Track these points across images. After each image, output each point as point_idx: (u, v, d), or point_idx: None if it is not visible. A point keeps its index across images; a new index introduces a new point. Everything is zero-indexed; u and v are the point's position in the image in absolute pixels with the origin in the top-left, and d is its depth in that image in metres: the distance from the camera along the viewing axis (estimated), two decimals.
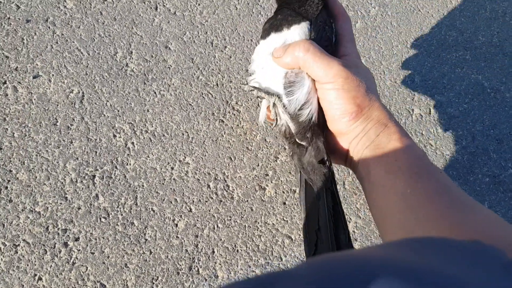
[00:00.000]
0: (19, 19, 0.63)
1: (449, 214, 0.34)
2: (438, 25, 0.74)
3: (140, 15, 0.66)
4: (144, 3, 0.67)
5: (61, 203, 0.54)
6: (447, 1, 0.77)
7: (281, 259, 0.56)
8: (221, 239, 0.56)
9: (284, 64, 0.41)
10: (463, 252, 0.19)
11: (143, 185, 0.57)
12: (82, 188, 0.55)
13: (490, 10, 0.77)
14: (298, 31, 0.42)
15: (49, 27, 0.63)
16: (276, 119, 0.44)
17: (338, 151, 0.42)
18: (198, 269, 0.54)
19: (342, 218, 0.41)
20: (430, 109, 0.67)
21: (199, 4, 0.69)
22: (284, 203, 0.59)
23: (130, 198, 0.56)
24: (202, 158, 0.60)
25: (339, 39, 0.43)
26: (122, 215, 0.55)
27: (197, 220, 0.56)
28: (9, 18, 0.63)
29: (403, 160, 0.37)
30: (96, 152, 0.58)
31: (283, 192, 0.59)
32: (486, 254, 0.19)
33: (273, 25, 0.44)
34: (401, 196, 0.36)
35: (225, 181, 0.59)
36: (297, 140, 0.43)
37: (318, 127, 0.42)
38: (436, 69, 0.71)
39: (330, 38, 0.42)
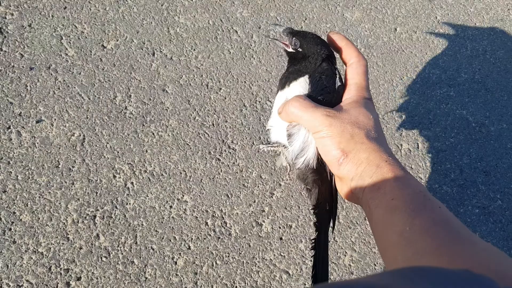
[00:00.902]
0: (23, 67, 0.68)
1: (447, 247, 0.36)
2: (421, 64, 0.80)
3: (138, 60, 0.71)
4: (142, 49, 0.72)
5: (63, 243, 0.57)
6: (429, 41, 0.83)
7: None
8: (219, 276, 0.58)
9: (284, 119, 0.47)
10: (454, 280, 0.22)
11: (142, 224, 0.60)
12: (84, 228, 0.58)
13: (471, 49, 0.84)
14: (297, 87, 0.48)
15: (51, 74, 0.68)
16: (286, 166, 0.50)
17: (345, 193, 0.46)
18: None
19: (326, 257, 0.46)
20: (418, 143, 0.72)
21: (194, 49, 0.74)
22: (281, 238, 0.62)
23: (130, 237, 0.59)
24: (199, 196, 0.63)
25: (346, 84, 0.48)
26: (122, 254, 0.58)
27: (196, 257, 0.59)
28: (13, 66, 0.67)
29: (400, 198, 0.39)
30: (97, 192, 0.61)
31: (280, 227, 0.62)
32: (476, 282, 0.22)
33: (280, 83, 0.49)
34: (400, 234, 0.38)
35: (223, 218, 0.62)
36: (303, 184, 0.49)
37: (318, 173, 0.46)
38: (422, 106, 0.76)
39: (328, 86, 0.47)
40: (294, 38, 0.50)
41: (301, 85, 0.48)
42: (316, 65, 0.49)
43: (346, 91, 0.48)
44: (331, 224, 0.48)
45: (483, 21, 0.88)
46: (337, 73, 0.49)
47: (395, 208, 0.39)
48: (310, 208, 0.52)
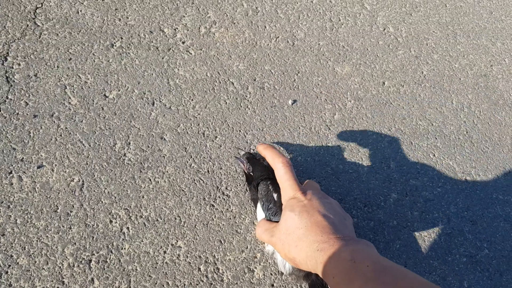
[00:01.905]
0: (27, 114, 0.71)
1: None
2: (409, 116, 0.84)
3: (138, 109, 0.75)
4: (142, 99, 0.76)
5: (58, 287, 0.58)
6: (416, 94, 0.87)
7: None
8: None
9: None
10: None
11: (136, 269, 0.61)
12: (79, 272, 0.60)
13: (456, 102, 0.88)
14: (259, 212, 0.65)
15: (54, 122, 0.71)
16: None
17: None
18: None
19: None
20: (406, 192, 0.75)
21: (192, 100, 0.78)
22: (273, 285, 0.63)
23: (124, 281, 0.60)
24: (193, 241, 0.65)
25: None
26: None
27: None
28: (17, 113, 0.71)
29: (338, 275, 0.48)
30: (93, 237, 0.63)
31: (271, 274, 0.64)
32: None
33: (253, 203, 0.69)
34: None
35: (215, 263, 0.64)
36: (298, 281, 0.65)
37: (300, 271, 0.60)
38: (410, 156, 0.79)
39: (271, 206, 0.62)
40: (248, 164, 0.67)
41: (260, 211, 0.65)
42: (259, 192, 0.64)
43: (281, 196, 0.61)
44: None
45: (467, 76, 0.93)
46: (271, 188, 0.63)
47: (339, 284, 0.48)
48: None
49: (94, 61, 0.80)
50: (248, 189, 0.70)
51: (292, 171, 0.61)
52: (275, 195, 0.62)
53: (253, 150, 0.75)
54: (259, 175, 0.66)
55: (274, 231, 0.58)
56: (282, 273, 0.64)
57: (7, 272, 0.58)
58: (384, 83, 0.88)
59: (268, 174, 0.65)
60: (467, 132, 0.85)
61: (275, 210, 0.61)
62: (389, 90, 0.87)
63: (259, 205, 0.65)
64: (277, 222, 0.59)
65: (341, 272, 0.47)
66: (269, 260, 0.65)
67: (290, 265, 0.60)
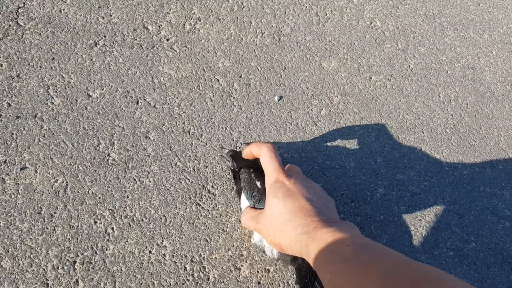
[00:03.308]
0: (10, 115, 0.70)
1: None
2: (396, 110, 0.84)
3: (122, 108, 0.74)
4: (126, 98, 0.76)
5: None
6: (403, 88, 0.87)
7: None
8: None
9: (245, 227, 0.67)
10: None
11: (121, 270, 0.61)
12: (63, 274, 0.59)
13: (443, 95, 0.88)
14: (244, 201, 0.65)
15: (37, 122, 0.71)
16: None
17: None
18: None
19: None
20: (393, 187, 0.75)
21: (177, 98, 0.77)
22: (259, 283, 0.63)
23: (109, 282, 0.60)
24: (179, 241, 0.64)
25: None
26: None
27: None
28: (0, 115, 0.70)
29: (320, 257, 0.49)
30: (77, 238, 0.62)
31: (258, 271, 0.64)
32: None
33: (238, 195, 0.70)
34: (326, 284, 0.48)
35: (201, 262, 0.63)
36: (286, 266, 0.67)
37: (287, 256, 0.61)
38: (397, 150, 0.79)
39: (255, 194, 0.62)
40: (233, 161, 0.68)
41: (244, 200, 0.66)
42: (241, 181, 0.65)
43: (265, 182, 0.60)
44: None
45: (455, 69, 0.93)
46: (253, 176, 0.64)
47: (320, 266, 0.48)
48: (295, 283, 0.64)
49: (77, 60, 0.79)
50: (234, 183, 0.69)
51: (277, 156, 0.61)
52: (258, 183, 0.63)
53: (239, 148, 0.74)
54: (243, 166, 0.67)
55: (259, 218, 0.58)
56: (268, 270, 0.64)
57: None
58: (371, 77, 0.88)
59: (253, 165, 0.66)
60: (454, 125, 0.85)
61: (259, 197, 0.61)
62: (376, 84, 0.87)
63: (243, 195, 0.65)
64: (262, 209, 0.60)
65: (323, 253, 0.48)
66: (255, 258, 0.65)
67: (277, 251, 0.61)
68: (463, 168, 0.79)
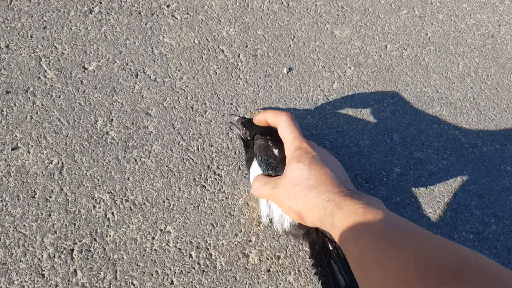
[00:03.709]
0: None
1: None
2: (413, 83, 0.76)
3: (120, 82, 0.67)
4: (125, 70, 0.68)
5: (38, 281, 0.53)
6: (420, 59, 0.79)
7: None
8: None
9: (256, 196, 0.59)
10: None
11: (123, 258, 0.56)
12: (60, 263, 0.54)
13: (462, 66, 0.80)
14: (255, 169, 0.59)
15: (29, 98, 0.63)
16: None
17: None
18: None
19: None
20: (410, 166, 0.68)
21: (179, 70, 0.70)
22: (269, 270, 0.58)
23: (109, 272, 0.54)
24: (183, 226, 0.59)
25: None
26: None
27: None
28: None
29: (348, 230, 0.44)
30: (75, 224, 0.57)
31: (267, 258, 0.58)
32: None
33: (247, 165, 0.63)
34: (354, 257, 0.43)
35: (208, 249, 0.58)
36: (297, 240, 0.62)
37: (300, 228, 0.56)
38: (414, 126, 0.72)
39: (270, 161, 0.57)
40: (244, 129, 0.61)
41: (255, 168, 0.59)
42: (256, 147, 0.59)
43: (285, 150, 0.55)
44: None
45: (474, 38, 0.84)
46: (270, 143, 0.58)
47: (346, 239, 0.43)
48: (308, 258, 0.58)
49: (71, 29, 0.71)
50: (244, 153, 0.63)
51: (296, 124, 0.57)
52: (275, 150, 0.57)
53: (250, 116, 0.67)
54: (254, 136, 0.61)
55: (278, 183, 0.53)
56: (278, 257, 0.59)
57: None
58: (386, 46, 0.80)
59: (268, 132, 0.60)
60: (474, 98, 0.77)
61: (275, 165, 0.56)
62: (391, 54, 0.79)
63: (254, 163, 0.59)
64: (278, 176, 0.55)
65: (351, 226, 0.43)
66: (264, 244, 0.59)
67: (288, 223, 0.55)
68: (483, 145, 0.73)
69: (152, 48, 0.71)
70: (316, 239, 0.55)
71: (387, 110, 0.73)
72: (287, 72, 0.73)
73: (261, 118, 0.59)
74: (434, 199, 0.66)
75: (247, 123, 0.62)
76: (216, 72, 0.71)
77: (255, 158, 0.60)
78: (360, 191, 0.65)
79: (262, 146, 0.58)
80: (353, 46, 0.78)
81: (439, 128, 0.73)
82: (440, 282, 0.33)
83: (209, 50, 0.73)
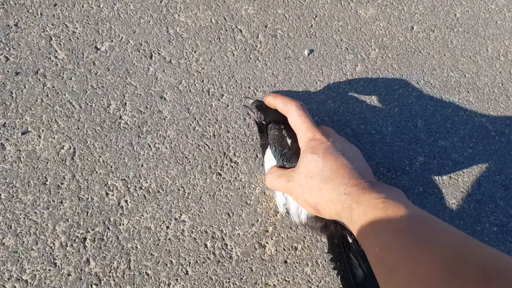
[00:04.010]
0: (8, 71, 0.59)
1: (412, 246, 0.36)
2: (439, 66, 0.71)
3: (134, 64, 0.63)
4: (139, 51, 0.64)
5: (49, 270, 0.50)
6: (447, 41, 0.73)
7: None
8: None
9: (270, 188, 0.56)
10: None
11: (136, 247, 0.53)
12: (72, 252, 0.51)
13: (491, 49, 0.74)
14: (268, 160, 0.56)
15: (39, 79, 0.60)
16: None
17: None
18: None
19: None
20: (434, 155, 0.64)
21: (195, 52, 0.65)
22: (286, 262, 0.55)
23: (123, 261, 0.52)
24: (198, 215, 0.56)
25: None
26: (114, 280, 0.51)
27: (194, 283, 0.52)
28: None
29: (366, 227, 0.41)
30: (87, 212, 0.54)
31: (284, 249, 0.55)
32: None
33: (262, 152, 0.59)
34: (374, 256, 0.39)
35: (223, 239, 0.55)
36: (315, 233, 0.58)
37: (318, 221, 0.52)
38: (439, 113, 0.67)
39: (285, 151, 0.53)
40: (259, 112, 0.56)
41: (269, 158, 0.56)
42: (270, 137, 0.55)
43: (298, 141, 0.52)
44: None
45: (505, 19, 0.78)
46: (284, 133, 0.54)
47: (366, 236, 0.40)
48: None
49: (83, 6, 0.66)
50: (259, 138, 0.60)
51: (307, 114, 0.53)
52: (289, 140, 0.53)
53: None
54: (272, 121, 0.57)
55: (292, 176, 0.50)
56: (296, 248, 0.56)
57: None
58: (412, 27, 0.74)
59: (283, 120, 0.56)
60: (502, 84, 0.72)
61: (289, 156, 0.53)
62: (418, 36, 0.73)
63: (268, 152, 0.56)
64: (292, 167, 0.51)
65: (371, 221, 0.40)
66: (282, 234, 0.56)
67: (305, 215, 0.52)
68: (511, 133, 0.68)
69: (167, 28, 0.67)
70: (334, 232, 0.51)
71: (412, 96, 0.68)
72: (308, 54, 0.69)
73: (271, 102, 0.56)
74: (458, 189, 0.62)
75: (262, 106, 0.58)
76: (233, 54, 0.67)
77: (269, 147, 0.56)
78: (381, 181, 0.62)
79: (276, 136, 0.54)
80: (378, 26, 0.73)
81: (465, 115, 0.68)
82: None
83: (226, 30, 0.68)
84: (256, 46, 0.68)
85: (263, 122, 0.58)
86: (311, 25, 0.71)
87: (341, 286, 0.50)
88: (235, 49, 0.67)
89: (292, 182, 0.49)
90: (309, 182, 0.47)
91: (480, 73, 0.72)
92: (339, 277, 0.50)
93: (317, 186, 0.46)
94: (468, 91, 0.70)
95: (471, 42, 0.74)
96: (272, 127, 0.55)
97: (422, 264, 0.34)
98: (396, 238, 0.37)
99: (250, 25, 0.69)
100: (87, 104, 0.59)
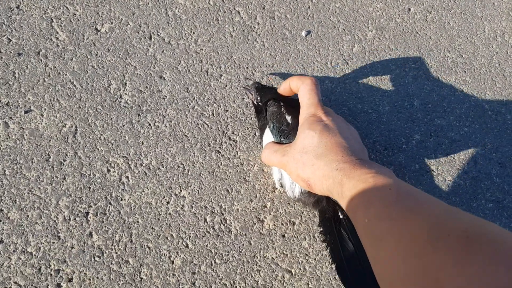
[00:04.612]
0: (10, 52, 0.62)
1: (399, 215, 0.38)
2: (436, 47, 0.73)
3: (134, 45, 0.65)
4: (138, 33, 0.66)
5: (53, 243, 0.53)
6: (444, 22, 0.75)
7: None
8: (219, 276, 0.54)
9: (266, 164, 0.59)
10: None
11: (138, 221, 0.55)
12: (75, 226, 0.54)
13: (488, 30, 0.76)
14: (267, 137, 0.58)
15: (41, 60, 0.62)
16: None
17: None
18: None
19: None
20: (430, 133, 0.66)
21: (193, 33, 0.68)
22: (283, 236, 0.57)
23: (124, 235, 0.54)
24: (198, 191, 0.58)
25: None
26: (116, 253, 0.53)
27: (194, 256, 0.54)
28: (0, 51, 0.61)
29: (356, 199, 0.43)
30: (89, 188, 0.56)
31: (282, 224, 0.57)
32: None
33: (260, 131, 0.61)
34: (363, 227, 0.42)
35: (222, 214, 0.57)
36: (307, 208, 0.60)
37: (310, 197, 0.55)
38: (436, 92, 0.69)
39: (283, 127, 0.55)
40: (257, 93, 0.59)
41: (268, 135, 0.58)
42: (269, 114, 0.57)
43: (300, 115, 0.54)
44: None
45: (502, 0, 0.80)
46: (283, 110, 0.56)
47: (356, 208, 0.42)
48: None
49: None
50: (257, 119, 0.62)
51: (317, 91, 0.54)
52: (288, 117, 0.56)
53: (263, 81, 0.65)
54: (266, 102, 0.59)
55: (287, 151, 0.52)
56: (293, 223, 0.58)
57: None
58: (409, 9, 0.76)
59: (283, 99, 0.58)
60: (499, 64, 0.74)
61: (287, 132, 0.55)
62: (415, 17, 0.75)
63: (267, 131, 0.58)
64: (289, 143, 0.54)
65: (361, 195, 0.42)
66: (279, 210, 0.58)
67: (299, 190, 0.54)
68: (507, 112, 0.70)
69: (166, 9, 0.69)
70: (326, 207, 0.53)
71: (409, 76, 0.70)
72: (306, 35, 0.71)
73: (286, 86, 0.57)
74: (454, 166, 0.64)
75: (261, 88, 0.60)
76: (232, 35, 0.69)
77: (267, 126, 0.58)
78: (378, 159, 0.64)
79: (275, 112, 0.56)
80: (375, 8, 0.75)
81: (462, 94, 0.70)
82: (449, 251, 0.32)
83: (224, 12, 0.70)
84: (254, 27, 0.70)
85: (260, 103, 0.60)
86: (309, 7, 0.73)
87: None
88: (233, 30, 0.69)
89: (286, 156, 0.51)
90: (304, 157, 0.49)
91: (477, 54, 0.74)
92: (328, 249, 0.52)
93: (311, 162, 0.48)
94: (465, 71, 0.72)
95: (468, 23, 0.76)
96: (271, 104, 0.57)
97: (408, 231, 0.36)
98: (384, 210, 0.39)
99: (248, 6, 0.71)
100: (88, 84, 0.62)
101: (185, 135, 0.61)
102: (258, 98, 0.60)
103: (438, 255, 0.32)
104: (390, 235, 0.37)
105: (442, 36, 0.74)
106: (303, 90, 0.54)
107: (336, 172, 0.45)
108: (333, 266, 0.52)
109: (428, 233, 0.34)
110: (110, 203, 0.56)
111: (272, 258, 0.56)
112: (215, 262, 0.54)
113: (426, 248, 0.33)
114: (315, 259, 0.56)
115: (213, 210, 0.57)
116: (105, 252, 0.53)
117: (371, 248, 0.40)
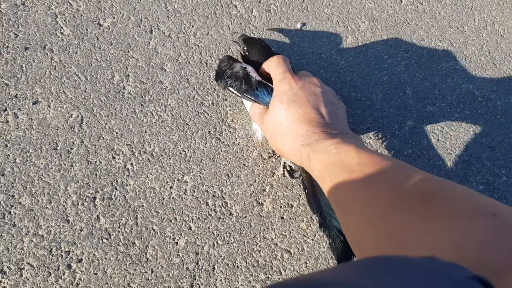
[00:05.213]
0: (18, 47, 0.66)
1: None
2: (428, 37, 0.77)
3: (135, 38, 0.69)
4: (139, 27, 0.70)
5: (63, 226, 0.56)
6: (435, 13, 0.79)
7: (281, 273, 0.58)
8: (221, 256, 0.58)
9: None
10: (418, 271, 0.21)
11: (143, 205, 0.59)
12: (84, 210, 0.58)
13: (478, 20, 0.80)
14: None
15: (47, 54, 0.66)
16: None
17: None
18: (199, 286, 0.56)
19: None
20: (422, 119, 0.70)
21: (193, 26, 0.71)
22: (282, 218, 0.61)
23: (130, 218, 0.58)
24: (200, 176, 0.62)
25: None
26: (123, 235, 0.57)
27: (197, 237, 0.58)
28: (8, 46, 0.65)
29: (321, 165, 0.47)
30: (96, 174, 0.60)
31: (281, 206, 0.61)
32: (440, 272, 0.21)
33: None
34: (328, 194, 0.46)
35: (223, 198, 0.61)
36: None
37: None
38: (427, 80, 0.73)
39: (243, 88, 0.59)
40: (244, 45, 0.63)
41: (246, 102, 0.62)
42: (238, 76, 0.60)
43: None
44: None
45: None
46: (248, 71, 0.59)
47: (324, 180, 0.46)
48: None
49: None
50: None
51: (285, 62, 0.58)
52: (253, 75, 0.59)
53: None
54: (256, 56, 0.63)
55: (264, 119, 0.56)
56: (292, 206, 0.62)
57: (10, 212, 0.56)
58: (401, 0, 0.80)
59: (266, 55, 0.62)
60: (489, 52, 0.78)
61: (252, 92, 0.59)
62: (406, 8, 0.79)
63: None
64: (267, 107, 0.57)
65: (326, 166, 0.45)
66: (278, 193, 0.62)
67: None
68: (497, 99, 0.74)
69: (166, 4, 0.73)
70: (302, 174, 0.60)
71: (401, 65, 0.74)
72: (301, 27, 0.74)
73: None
74: (446, 151, 0.68)
75: (248, 39, 0.64)
76: (229, 28, 0.72)
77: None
78: (372, 143, 0.67)
79: (242, 75, 0.60)
80: (367, 0, 0.79)
81: (453, 82, 0.74)
82: (409, 212, 0.35)
83: (222, 6, 0.74)
84: (251, 20, 0.73)
85: (246, 53, 0.63)
86: (303, 0, 0.77)
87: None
88: (231, 23, 0.73)
89: (263, 125, 0.57)
90: (275, 129, 0.53)
91: (467, 43, 0.78)
92: (306, 192, 0.60)
93: (280, 135, 0.52)
94: (456, 60, 0.76)
95: (459, 13, 0.80)
96: (244, 68, 0.61)
97: (373, 197, 0.39)
98: (349, 177, 0.42)
99: (245, 0, 0.75)
100: (93, 76, 0.65)
101: (186, 124, 0.64)
102: (245, 48, 0.63)
103: (401, 217, 0.36)
104: (356, 202, 0.41)
105: (433, 26, 0.78)
106: (270, 65, 0.58)
107: (303, 148, 0.49)
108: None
109: (391, 197, 0.38)
110: (116, 189, 0.59)
111: (272, 238, 0.59)
112: (217, 243, 0.58)
113: (389, 212, 0.37)
114: (312, 240, 0.60)
115: (214, 194, 0.61)
116: (112, 234, 0.57)
117: (341, 216, 0.44)
